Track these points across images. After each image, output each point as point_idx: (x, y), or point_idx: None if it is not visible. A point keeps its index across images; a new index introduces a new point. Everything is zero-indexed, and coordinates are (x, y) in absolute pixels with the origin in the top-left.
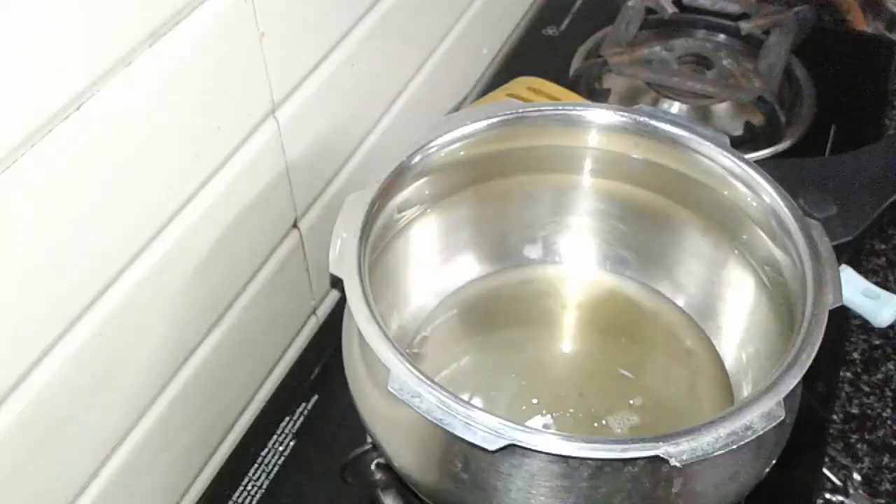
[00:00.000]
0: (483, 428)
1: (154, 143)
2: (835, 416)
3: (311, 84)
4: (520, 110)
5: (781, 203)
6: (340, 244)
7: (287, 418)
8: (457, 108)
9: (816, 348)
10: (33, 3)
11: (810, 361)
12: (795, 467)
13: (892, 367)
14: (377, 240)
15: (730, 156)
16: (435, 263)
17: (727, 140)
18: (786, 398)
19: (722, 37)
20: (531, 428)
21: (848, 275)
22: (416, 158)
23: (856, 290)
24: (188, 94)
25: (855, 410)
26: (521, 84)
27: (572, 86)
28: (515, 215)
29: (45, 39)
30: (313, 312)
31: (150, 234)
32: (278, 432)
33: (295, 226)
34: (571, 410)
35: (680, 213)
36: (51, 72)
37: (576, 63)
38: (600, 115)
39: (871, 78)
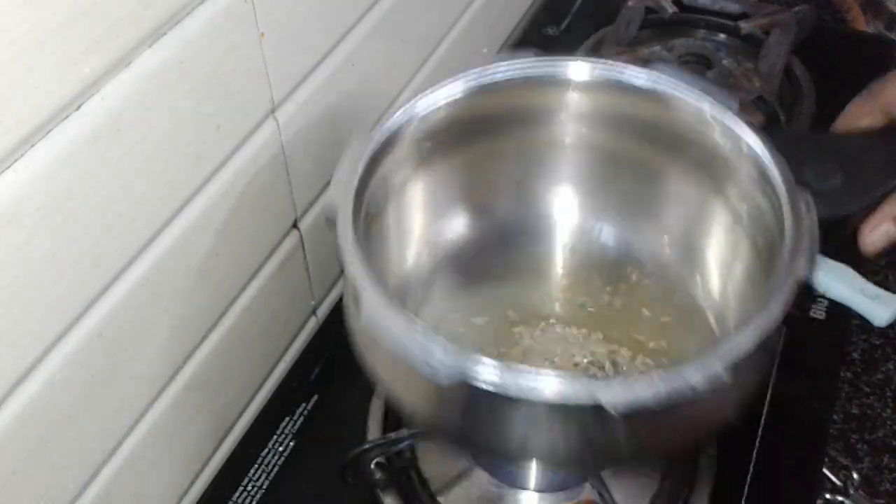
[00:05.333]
0: (437, 361)
1: (154, 143)
2: (835, 416)
3: (311, 84)
4: (498, 70)
5: (767, 156)
6: (336, 185)
7: (287, 418)
8: None
9: (773, 320)
10: (34, 2)
11: (760, 334)
12: (795, 467)
13: (892, 367)
14: (370, 203)
15: (715, 106)
16: (427, 223)
17: (713, 89)
18: (735, 365)
19: (722, 37)
20: (483, 360)
21: (848, 275)
22: (402, 122)
23: (856, 290)
24: (188, 94)
25: (855, 410)
26: None
27: None
28: (503, 171)
29: (44, 39)
30: (313, 312)
31: (150, 234)
32: (278, 432)
33: (295, 226)
34: (560, 354)
35: (665, 162)
36: (51, 72)
37: None
38: (579, 70)
39: (871, 78)
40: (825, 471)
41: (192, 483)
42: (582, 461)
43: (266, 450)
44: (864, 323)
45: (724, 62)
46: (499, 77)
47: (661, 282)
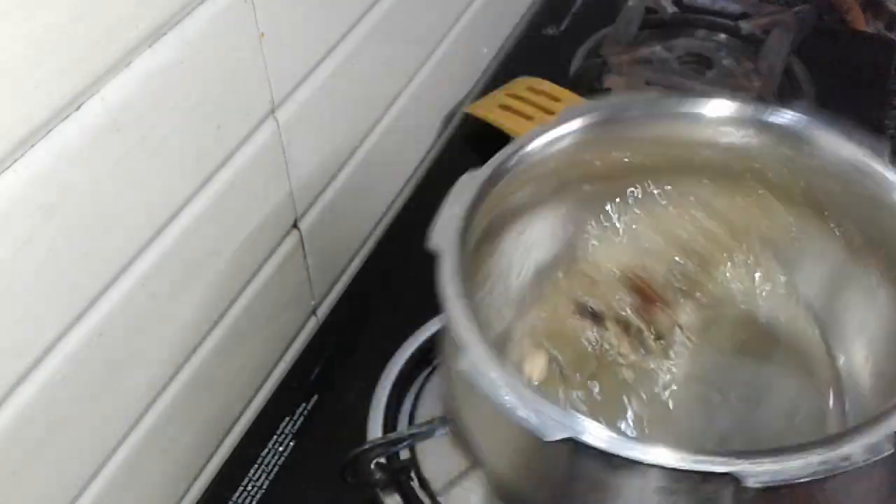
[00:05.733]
0: (546, 416)
1: (154, 143)
2: None
3: (311, 84)
4: (603, 114)
5: None
6: (444, 219)
7: (287, 418)
8: (457, 109)
9: None
10: (34, 2)
11: None
12: None
13: None
14: (474, 242)
15: (865, 153)
16: (531, 267)
17: (861, 134)
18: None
19: (722, 36)
20: (595, 422)
21: None
22: (514, 162)
23: None
24: (188, 95)
25: None
26: (522, 84)
27: (572, 86)
28: (616, 218)
29: (45, 39)
30: (313, 312)
31: (150, 234)
32: (278, 432)
33: (295, 226)
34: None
35: (806, 215)
36: (51, 72)
37: (576, 63)
38: (716, 107)
39: (871, 78)
40: None
41: (192, 483)
42: None
43: (266, 450)
44: None
45: (724, 62)
46: (606, 119)
47: (790, 346)
